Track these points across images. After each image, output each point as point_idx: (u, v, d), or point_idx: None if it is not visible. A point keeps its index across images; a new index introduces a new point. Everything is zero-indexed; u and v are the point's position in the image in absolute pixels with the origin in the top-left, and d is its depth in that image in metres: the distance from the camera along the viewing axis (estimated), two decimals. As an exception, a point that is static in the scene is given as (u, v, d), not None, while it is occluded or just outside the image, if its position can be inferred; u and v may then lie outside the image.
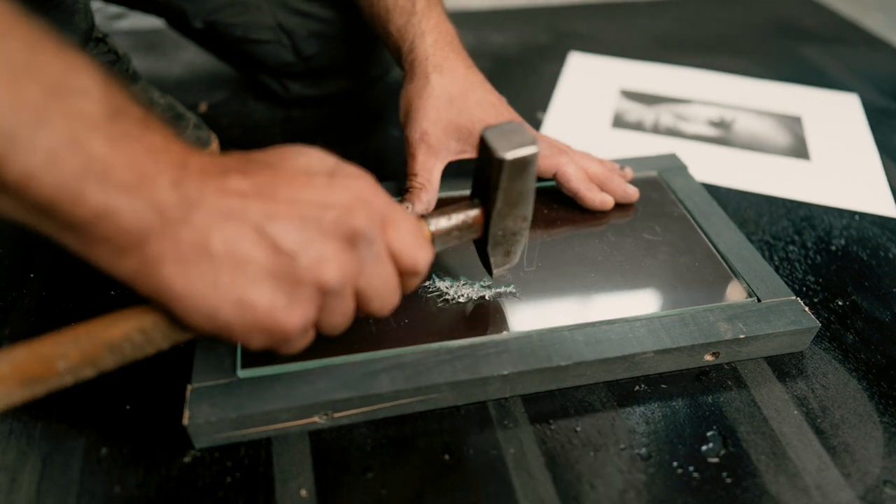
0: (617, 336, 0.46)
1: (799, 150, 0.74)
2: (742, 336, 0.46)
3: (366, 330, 0.46)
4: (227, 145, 0.71)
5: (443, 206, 0.47)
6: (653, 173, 0.62)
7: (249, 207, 0.32)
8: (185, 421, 0.40)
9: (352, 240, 0.34)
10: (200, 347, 0.44)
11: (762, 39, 1.02)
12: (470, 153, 0.56)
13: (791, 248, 0.59)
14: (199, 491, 0.40)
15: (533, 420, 0.44)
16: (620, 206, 0.58)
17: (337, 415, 0.42)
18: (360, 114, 0.80)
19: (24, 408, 0.44)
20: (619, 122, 0.79)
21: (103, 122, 0.29)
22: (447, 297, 0.48)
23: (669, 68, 0.91)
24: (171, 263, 0.31)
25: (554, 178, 0.57)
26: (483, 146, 0.41)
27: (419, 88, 0.59)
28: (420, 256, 0.38)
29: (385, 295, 0.37)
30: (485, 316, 0.47)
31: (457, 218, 0.43)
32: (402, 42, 0.61)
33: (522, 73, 0.90)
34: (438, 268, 0.51)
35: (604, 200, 0.57)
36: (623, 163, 0.63)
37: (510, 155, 0.39)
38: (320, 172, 0.35)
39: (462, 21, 1.05)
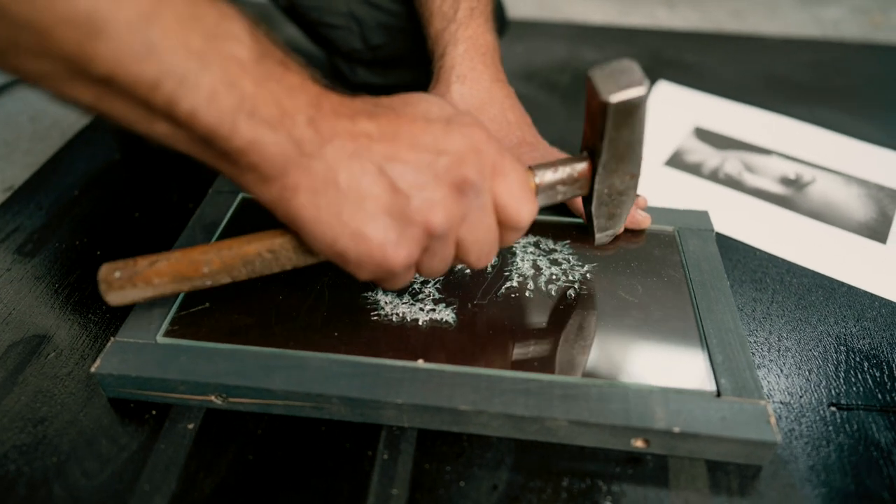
0: (534, 394, 0.42)
1: (877, 229, 0.63)
2: (676, 430, 0.41)
3: (293, 324, 0.46)
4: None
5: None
6: (669, 228, 0.57)
7: (374, 148, 0.35)
8: (93, 369, 0.43)
9: (461, 187, 0.36)
10: (140, 306, 0.47)
11: (902, 99, 0.88)
12: None
13: (805, 327, 0.51)
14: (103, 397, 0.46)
15: (420, 437, 0.43)
16: (623, 242, 0.55)
17: (232, 399, 0.43)
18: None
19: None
20: (676, 160, 0.72)
21: (252, 64, 0.32)
22: (382, 311, 0.48)
23: (761, 112, 0.81)
24: (304, 193, 0.35)
25: None
26: (589, 89, 0.38)
27: (438, 96, 0.58)
28: (524, 211, 0.39)
29: (484, 246, 0.39)
30: (409, 340, 0.46)
31: (563, 171, 0.42)
32: (436, 47, 0.61)
33: (598, 94, 0.85)
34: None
35: None
36: (650, 211, 0.58)
37: (615, 97, 0.36)
38: (439, 119, 0.37)
39: (561, 34, 1.01)
